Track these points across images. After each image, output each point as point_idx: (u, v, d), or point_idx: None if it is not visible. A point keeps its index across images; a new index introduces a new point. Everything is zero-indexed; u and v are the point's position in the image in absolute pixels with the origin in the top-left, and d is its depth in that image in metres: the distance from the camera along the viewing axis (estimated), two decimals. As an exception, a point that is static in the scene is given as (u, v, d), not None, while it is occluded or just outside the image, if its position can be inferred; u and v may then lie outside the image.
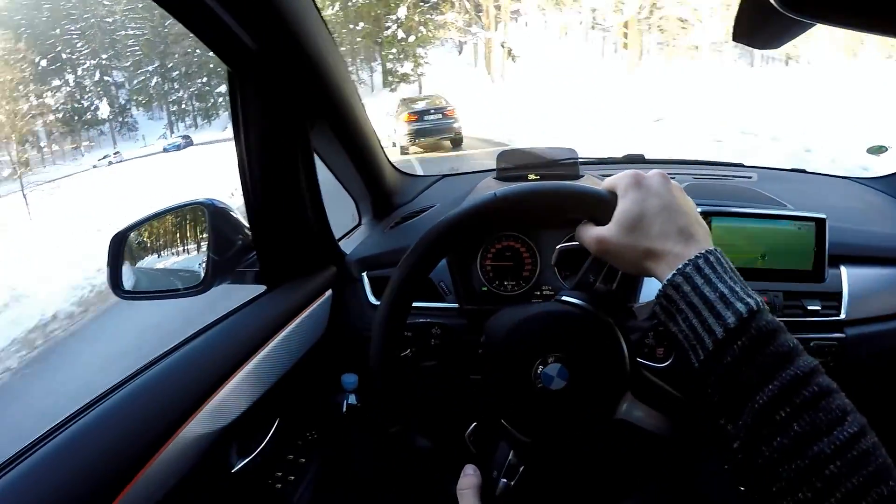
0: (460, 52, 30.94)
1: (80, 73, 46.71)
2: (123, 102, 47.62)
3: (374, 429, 1.07)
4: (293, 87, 0.85)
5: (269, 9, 0.71)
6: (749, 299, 0.47)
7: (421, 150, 12.51)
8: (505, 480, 0.62)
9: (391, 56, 27.87)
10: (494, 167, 1.19)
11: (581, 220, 0.60)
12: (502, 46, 24.82)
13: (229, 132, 0.88)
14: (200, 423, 0.65)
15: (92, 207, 12.73)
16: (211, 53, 0.77)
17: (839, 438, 0.41)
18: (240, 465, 0.78)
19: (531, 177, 1.14)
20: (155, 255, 0.94)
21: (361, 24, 28.67)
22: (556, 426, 0.60)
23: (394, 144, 13.17)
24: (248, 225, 0.92)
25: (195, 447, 0.65)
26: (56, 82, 46.09)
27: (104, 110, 45.76)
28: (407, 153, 12.39)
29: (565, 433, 0.61)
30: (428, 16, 26.60)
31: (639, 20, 20.41)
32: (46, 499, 0.50)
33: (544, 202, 0.61)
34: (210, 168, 15.63)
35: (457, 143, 12.78)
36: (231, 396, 0.72)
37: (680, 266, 0.50)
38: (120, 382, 0.66)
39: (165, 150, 33.49)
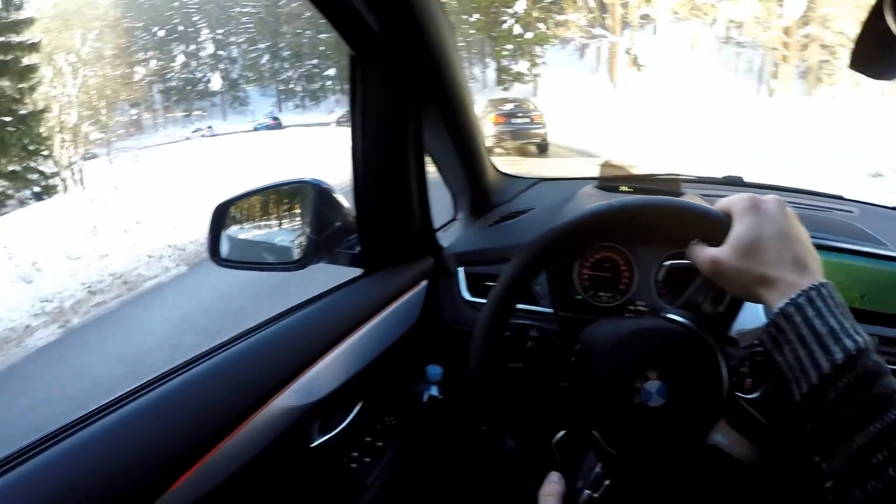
0: (581, 56, 29.91)
1: (195, 46, 50.66)
2: (235, 77, 51.01)
3: (461, 424, 1.11)
4: (412, 75, 0.89)
5: (401, 7, 0.76)
6: (858, 337, 0.48)
7: (505, 153, 12.58)
8: (589, 492, 0.65)
9: (506, 52, 27.35)
10: (593, 175, 1.22)
11: (691, 239, 0.62)
12: (627, 53, 23.84)
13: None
14: (288, 398, 0.70)
15: (165, 179, 13.53)
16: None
17: None
18: (318, 441, 0.83)
19: (622, 188, 1.16)
20: (254, 228, 1.01)
21: (476, 15, 28.37)
22: (648, 443, 0.62)
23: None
24: (348, 207, 0.96)
25: (280, 420, 0.69)
26: (173, 52, 50.56)
27: (216, 83, 49.39)
28: (491, 155, 12.51)
29: (656, 451, 0.63)
30: (548, 12, 25.96)
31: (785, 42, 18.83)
32: (135, 452, 0.54)
33: (661, 216, 0.62)
34: (287, 152, 16.48)
35: (542, 148, 12.88)
36: (321, 375, 0.76)
37: (793, 296, 0.51)
38: (216, 347, 0.72)
39: (256, 129, 35.46)
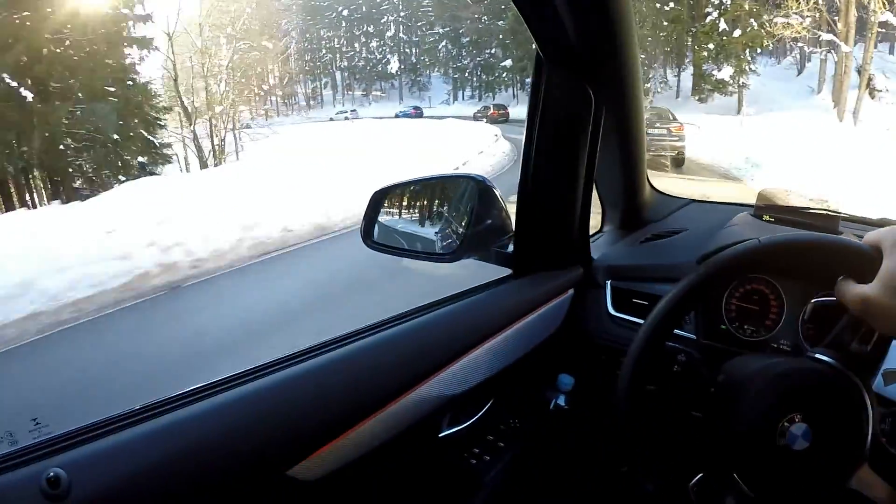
0: (799, 73, 24.09)
1: (376, 27, 53.33)
2: (414, 62, 53.10)
3: (586, 439, 1.14)
4: (594, 82, 0.91)
5: (597, 7, 0.79)
6: None
7: None
8: None
9: (706, 53, 22.15)
10: (749, 202, 1.20)
11: (839, 276, 0.62)
12: (859, 73, 19.34)
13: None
14: (429, 388, 0.75)
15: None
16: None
17: None
18: (446, 433, 0.88)
19: (775, 218, 1.12)
20: (409, 216, 1.05)
21: (671, 4, 23.90)
22: (789, 486, 0.62)
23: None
24: (505, 207, 0.98)
25: (417, 409, 0.74)
26: (356, 31, 53.87)
27: (394, 66, 52.45)
28: None
29: (798, 495, 0.63)
30: (763, 4, 20.36)
31: None
32: (281, 417, 0.61)
33: (807, 252, 0.64)
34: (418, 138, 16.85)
35: (678, 163, 12.23)
36: (462, 370, 0.81)
37: None
38: (365, 329, 0.77)
39: (396, 116, 37.50)
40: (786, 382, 0.63)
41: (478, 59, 46.97)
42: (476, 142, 15.44)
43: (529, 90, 0.93)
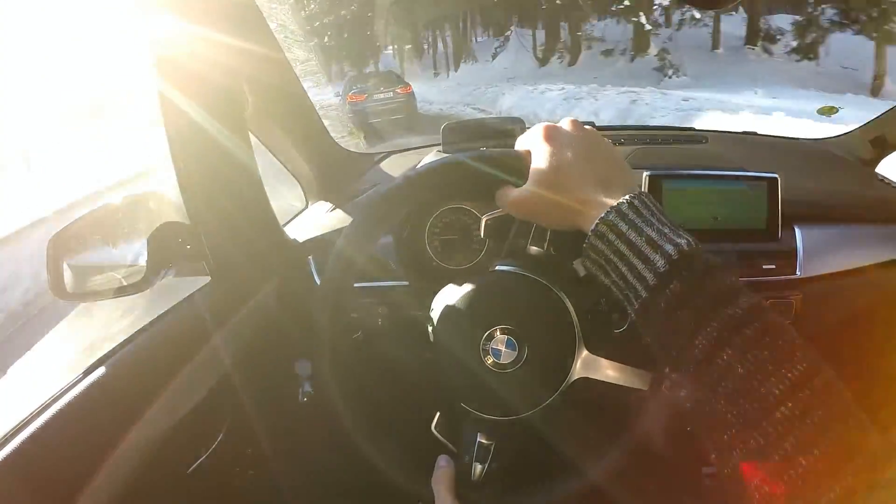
0: None
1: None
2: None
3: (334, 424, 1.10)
4: (221, 67, 0.88)
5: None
6: (679, 240, 0.48)
7: (372, 133, 11.74)
8: (478, 463, 0.67)
9: None
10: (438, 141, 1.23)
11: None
12: None
13: None
14: (148, 425, 0.70)
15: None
16: None
17: (788, 377, 0.41)
18: (195, 465, 0.83)
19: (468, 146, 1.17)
20: (97, 253, 0.96)
21: None
22: (515, 398, 0.64)
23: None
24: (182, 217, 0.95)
25: (144, 450, 0.69)
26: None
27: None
28: (359, 139, 11.62)
29: (526, 402, 0.65)
30: None
31: None
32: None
33: (460, 173, 0.62)
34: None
35: (412, 121, 12.26)
36: (179, 395, 0.76)
37: (602, 214, 0.51)
38: (57, 394, 0.69)
39: None
40: (473, 302, 0.65)
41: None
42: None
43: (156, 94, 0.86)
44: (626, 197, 0.51)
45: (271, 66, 0.98)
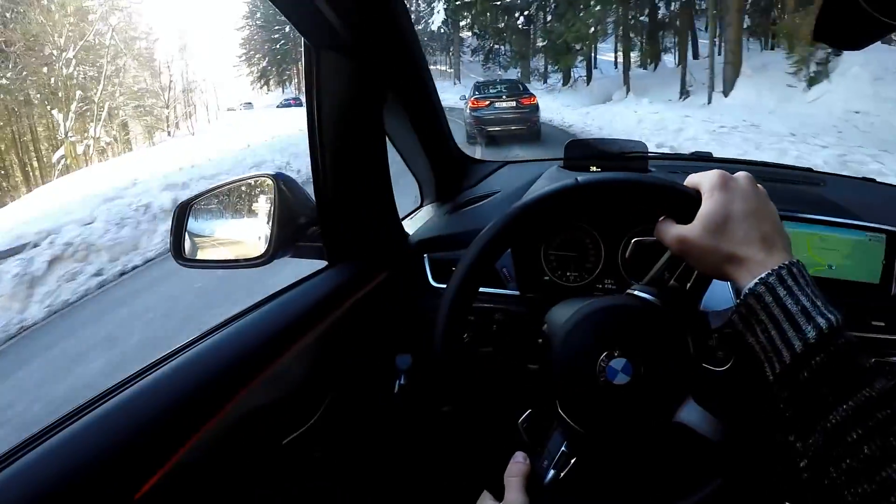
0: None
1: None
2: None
3: (425, 409, 1.12)
4: (369, 65, 0.91)
5: None
6: (830, 315, 0.49)
7: (487, 141, 11.83)
8: (554, 471, 0.67)
9: None
10: (559, 157, 1.24)
11: (659, 216, 0.64)
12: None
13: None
14: (254, 394, 0.73)
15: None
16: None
17: None
18: (290, 438, 0.86)
19: (593, 168, 1.19)
20: (219, 225, 1.04)
21: None
22: (614, 421, 0.64)
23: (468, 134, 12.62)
24: (312, 200, 0.99)
25: (248, 417, 0.72)
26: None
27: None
28: (475, 144, 11.72)
29: (622, 429, 0.65)
30: None
31: None
32: (100, 457, 0.57)
33: (628, 193, 0.64)
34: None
35: (534, 135, 12.04)
36: (286, 369, 0.79)
37: (763, 275, 0.53)
38: (178, 348, 0.74)
39: (278, 107, 41.00)
40: (601, 319, 0.65)
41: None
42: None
43: (305, 79, 0.92)
44: (787, 262, 0.53)
45: (412, 68, 1.01)
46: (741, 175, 0.61)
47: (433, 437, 1.18)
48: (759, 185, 0.61)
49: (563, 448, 0.67)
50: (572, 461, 0.67)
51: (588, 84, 25.98)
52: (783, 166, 1.44)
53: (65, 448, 0.56)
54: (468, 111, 12.34)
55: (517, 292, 1.02)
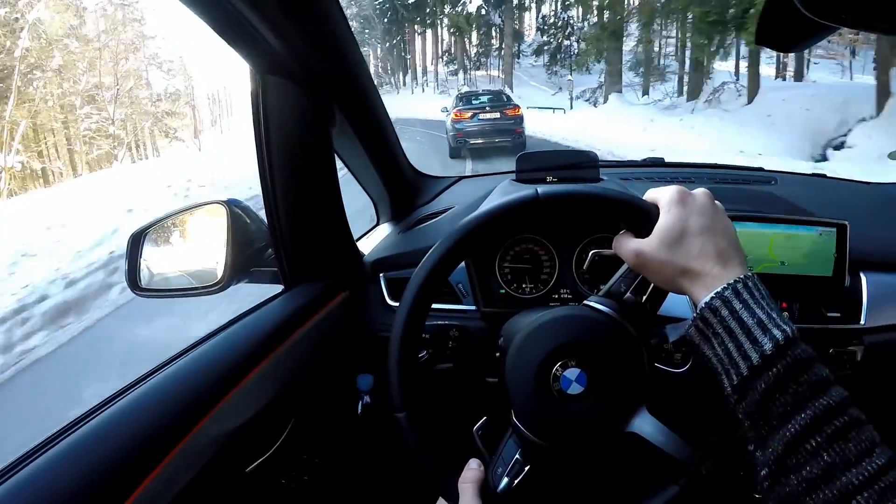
0: None
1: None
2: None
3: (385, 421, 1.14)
4: (316, 89, 0.92)
5: (293, 9, 0.79)
6: (786, 326, 0.51)
7: (471, 155, 11.50)
8: (508, 479, 0.67)
9: None
10: (512, 169, 1.25)
11: (619, 229, 0.66)
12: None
13: None
14: (215, 423, 0.73)
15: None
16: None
17: (868, 469, 0.44)
18: (254, 465, 0.86)
19: (549, 179, 1.20)
20: (173, 254, 1.04)
21: None
22: (567, 430, 0.65)
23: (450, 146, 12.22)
24: (264, 224, 1.00)
25: (209, 447, 0.72)
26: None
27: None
28: (458, 157, 11.41)
29: (576, 438, 0.66)
30: None
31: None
32: (59, 497, 0.56)
33: (587, 205, 0.66)
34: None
35: (518, 149, 11.23)
36: (246, 396, 0.79)
37: (719, 289, 0.54)
38: (135, 381, 0.74)
39: None
40: (555, 329, 0.66)
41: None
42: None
43: (251, 105, 0.91)
44: (742, 275, 0.55)
45: (359, 89, 1.01)
46: (699, 191, 0.62)
47: (396, 452, 1.18)
48: (716, 202, 0.63)
49: (517, 456, 0.68)
50: (526, 469, 0.68)
51: (750, 97, 14.67)
52: (735, 167, 1.48)
53: (25, 488, 0.56)
54: (450, 123, 12.04)
55: (474, 307, 1.03)
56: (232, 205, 0.98)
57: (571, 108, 20.27)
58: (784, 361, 0.49)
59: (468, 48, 36.40)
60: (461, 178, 1.45)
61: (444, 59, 38.88)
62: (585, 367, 0.64)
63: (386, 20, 39.09)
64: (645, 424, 0.66)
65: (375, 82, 1.07)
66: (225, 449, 0.75)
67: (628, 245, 0.63)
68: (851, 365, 1.00)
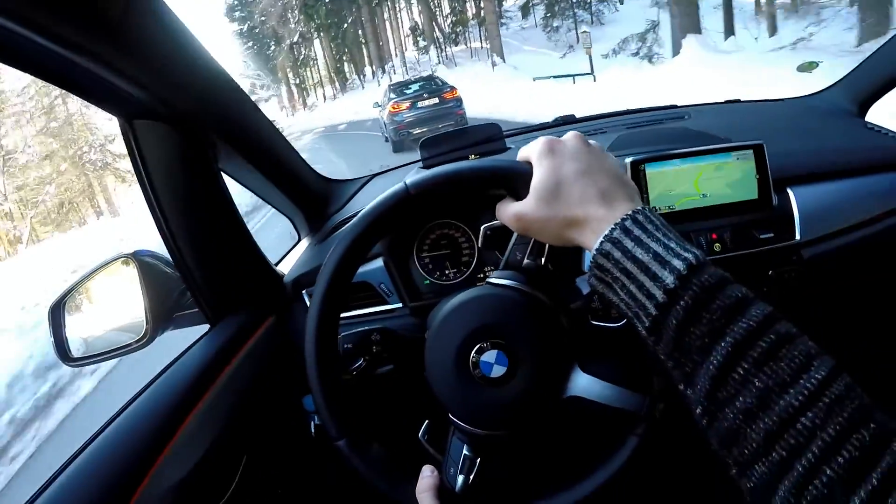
0: None
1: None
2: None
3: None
4: (187, 124, 0.90)
5: (142, 53, 0.76)
6: (687, 254, 0.48)
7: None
8: (462, 476, 0.67)
9: None
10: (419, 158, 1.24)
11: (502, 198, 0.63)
12: None
13: None
14: (159, 479, 0.72)
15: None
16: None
17: (807, 387, 0.41)
18: None
19: (472, 157, 1.17)
20: (97, 316, 1.03)
21: None
22: (502, 414, 0.64)
23: (386, 140, 12.05)
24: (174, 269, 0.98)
25: (163, 500, 0.71)
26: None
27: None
28: (402, 151, 11.18)
29: (515, 420, 0.65)
30: None
31: None
32: None
33: (459, 184, 0.64)
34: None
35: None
36: (187, 444, 0.78)
37: (606, 231, 0.51)
38: (69, 459, 0.72)
39: None
40: (464, 314, 0.66)
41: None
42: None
43: (128, 155, 0.89)
44: (629, 212, 0.51)
45: (235, 113, 0.99)
46: (569, 135, 0.60)
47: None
48: (590, 141, 0.60)
49: (464, 452, 0.67)
50: (478, 462, 0.67)
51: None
52: (647, 109, 1.48)
53: None
54: (387, 118, 11.85)
55: (400, 304, 1.01)
56: (141, 256, 0.97)
57: (592, 70, 14.59)
58: (690, 291, 0.46)
59: (439, 20, 32.71)
60: (373, 175, 1.44)
61: (413, 37, 35.10)
62: (501, 346, 0.63)
63: (325, 7, 35.94)
64: (585, 385, 0.65)
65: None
66: (180, 499, 0.74)
67: (508, 210, 0.61)
68: (795, 282, 1.00)
